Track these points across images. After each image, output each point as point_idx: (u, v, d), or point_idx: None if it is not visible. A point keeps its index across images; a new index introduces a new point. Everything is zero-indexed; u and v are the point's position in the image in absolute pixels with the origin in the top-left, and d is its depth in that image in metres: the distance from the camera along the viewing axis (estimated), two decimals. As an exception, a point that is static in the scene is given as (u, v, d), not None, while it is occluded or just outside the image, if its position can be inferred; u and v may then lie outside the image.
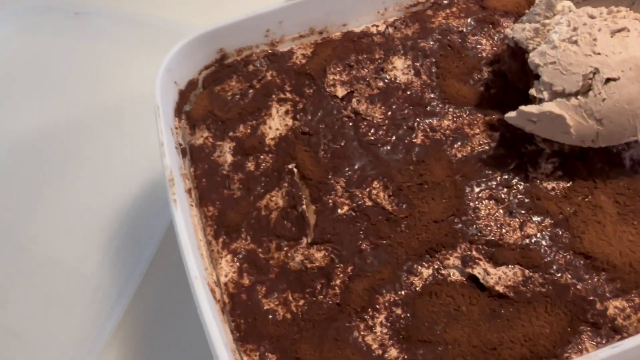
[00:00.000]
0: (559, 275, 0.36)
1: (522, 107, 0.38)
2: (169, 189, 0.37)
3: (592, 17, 0.38)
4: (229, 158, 0.43)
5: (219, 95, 0.45)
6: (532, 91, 0.38)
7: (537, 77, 0.38)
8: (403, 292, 0.36)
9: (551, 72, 0.37)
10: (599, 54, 0.36)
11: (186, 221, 0.37)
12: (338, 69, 0.46)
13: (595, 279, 0.36)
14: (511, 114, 0.39)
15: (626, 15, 0.38)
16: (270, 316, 0.36)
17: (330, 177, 0.41)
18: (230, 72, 0.46)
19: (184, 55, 0.44)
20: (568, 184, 0.39)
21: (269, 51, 0.47)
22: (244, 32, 0.45)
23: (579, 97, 0.36)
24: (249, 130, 0.44)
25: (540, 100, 0.38)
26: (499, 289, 0.36)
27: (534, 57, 0.38)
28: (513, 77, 0.42)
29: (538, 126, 0.38)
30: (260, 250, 0.39)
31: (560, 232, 0.37)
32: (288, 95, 0.45)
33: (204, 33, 0.44)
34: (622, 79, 0.36)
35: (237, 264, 0.39)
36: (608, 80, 0.36)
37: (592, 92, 0.36)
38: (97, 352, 0.47)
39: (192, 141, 0.44)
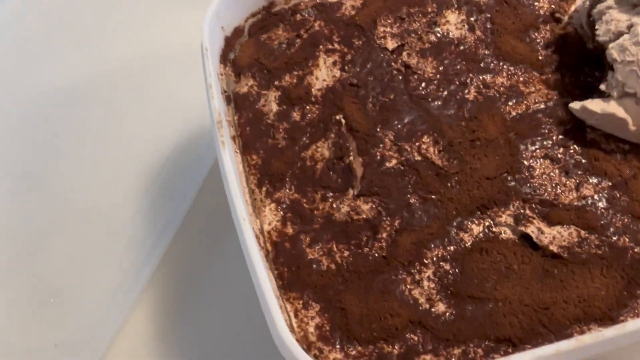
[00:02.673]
0: (616, 238, 0.35)
1: (587, 104, 0.36)
2: (217, 131, 0.36)
3: None
4: (274, 107, 0.42)
5: (265, 44, 0.44)
6: (603, 86, 0.36)
7: (612, 67, 0.36)
8: (452, 248, 0.35)
9: (627, 72, 0.35)
10: None
11: (233, 165, 0.36)
12: (389, 21, 0.44)
13: (655, 244, 0.35)
14: (575, 106, 0.37)
15: None
16: (314, 266, 0.36)
17: (378, 130, 0.40)
18: (277, 20, 0.45)
19: (232, 1, 0.43)
20: (627, 146, 0.37)
21: (318, 1, 0.45)
22: (294, -21, 0.44)
23: None
24: (295, 80, 0.43)
25: (609, 96, 0.36)
26: (553, 248, 0.34)
27: (612, 50, 0.36)
28: (584, 35, 0.40)
29: (600, 122, 0.37)
30: (304, 200, 0.38)
31: (618, 195, 0.36)
32: (336, 46, 0.43)
33: (253, -23, 0.42)
34: None
35: (281, 213, 0.38)
36: None
37: None
38: (132, 300, 0.47)
39: (236, 89, 0.43)
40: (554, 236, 0.35)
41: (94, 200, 0.52)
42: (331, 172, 0.39)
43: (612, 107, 0.36)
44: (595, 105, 0.36)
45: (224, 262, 0.46)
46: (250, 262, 0.32)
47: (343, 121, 0.40)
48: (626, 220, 0.35)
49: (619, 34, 0.37)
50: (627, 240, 0.35)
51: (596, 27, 0.38)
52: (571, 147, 0.38)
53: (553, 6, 0.44)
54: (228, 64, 0.44)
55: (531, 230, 0.35)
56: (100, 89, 0.56)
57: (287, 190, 0.39)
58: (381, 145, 0.39)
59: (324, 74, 0.43)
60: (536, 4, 0.44)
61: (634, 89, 0.35)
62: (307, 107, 0.41)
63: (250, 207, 0.38)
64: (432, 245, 0.35)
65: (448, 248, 0.35)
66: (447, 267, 0.35)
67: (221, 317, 0.46)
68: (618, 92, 0.36)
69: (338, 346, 0.33)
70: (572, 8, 0.44)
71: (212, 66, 0.39)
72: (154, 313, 0.47)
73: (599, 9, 0.38)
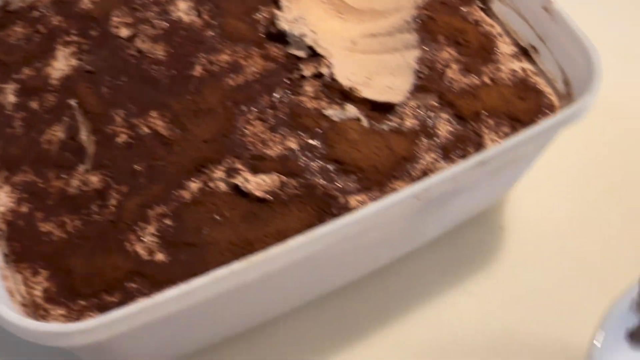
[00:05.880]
0: (312, 179, 0.41)
1: None
2: None
3: None
4: (12, 99, 0.44)
5: (3, 41, 0.46)
6: None
7: None
8: (173, 205, 0.40)
9: None
10: None
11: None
12: (124, 11, 0.48)
13: (344, 180, 0.41)
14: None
15: None
16: (46, 238, 0.38)
17: (111, 110, 0.43)
18: (14, 18, 0.47)
19: (-40, 1, 0.44)
20: (325, 104, 0.44)
21: (55, -3, 0.48)
22: (24, -23, 0.47)
23: None
24: (33, 72, 0.45)
25: None
26: (258, 193, 0.40)
27: None
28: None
29: None
30: (40, 180, 0.41)
31: (316, 144, 0.42)
32: (74, 38, 0.46)
33: (-24, -23, 0.44)
34: None
35: (17, 195, 0.40)
36: None
37: None
38: None
39: (-26, 85, 0.44)
40: (258, 183, 0.40)
41: None
42: (65, 152, 0.42)
43: None
44: None
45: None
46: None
47: (77, 105, 0.43)
48: (322, 163, 0.41)
49: None
50: (321, 180, 0.41)
51: None
52: (279, 109, 0.44)
53: (273, -10, 0.50)
54: (-37, 63, 0.45)
55: (239, 180, 0.40)
56: None
57: (24, 174, 0.41)
58: (113, 124, 0.43)
59: (61, 64, 0.45)
60: (259, -11, 0.50)
61: None
62: (45, 95, 0.44)
63: (-16, 193, 0.40)
64: (155, 205, 0.40)
65: (169, 205, 0.40)
66: (168, 222, 0.39)
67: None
68: None
69: (62, 304, 0.36)
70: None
71: None
72: None
73: None
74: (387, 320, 0.48)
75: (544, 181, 0.56)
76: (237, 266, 0.33)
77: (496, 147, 0.38)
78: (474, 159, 0.38)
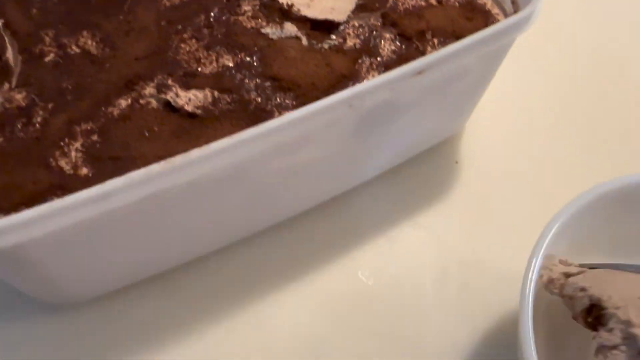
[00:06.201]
0: (247, 95, 0.39)
1: None
2: None
3: None
4: (-63, 22, 0.42)
5: None
6: None
7: None
8: (100, 122, 0.38)
9: None
10: None
11: None
12: None
13: (280, 97, 0.40)
14: None
15: None
16: (-34, 156, 0.37)
17: (40, 30, 0.41)
18: (-59, -59, 0.45)
19: None
20: (264, 23, 0.42)
21: None
22: None
23: None
24: (-40, -4, 0.43)
25: None
26: (189, 108, 0.38)
27: None
28: None
29: None
30: (-37, 101, 0.39)
31: (253, 61, 0.41)
32: (4, -39, 0.45)
33: None
34: None
35: (-62, 115, 0.38)
36: None
37: None
38: None
39: None
40: (189, 98, 0.39)
41: None
42: (-10, 72, 0.40)
43: None
44: None
45: None
46: None
47: (3, 25, 0.42)
48: (258, 80, 0.40)
49: None
50: (256, 96, 0.39)
51: None
52: (215, 28, 0.42)
53: None
54: None
55: (170, 96, 0.39)
56: None
57: (-53, 95, 0.39)
58: (41, 43, 0.41)
59: (-10, -14, 0.44)
60: None
61: None
62: (-29, 17, 0.42)
63: None
64: (82, 122, 0.38)
65: (97, 122, 0.38)
66: (95, 137, 0.37)
67: None
68: None
69: (-21, 217, 0.34)
70: None
71: None
72: None
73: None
74: (337, 249, 0.47)
75: (498, 117, 0.55)
76: (155, 167, 0.32)
77: (434, 55, 0.37)
78: (410, 65, 0.37)
